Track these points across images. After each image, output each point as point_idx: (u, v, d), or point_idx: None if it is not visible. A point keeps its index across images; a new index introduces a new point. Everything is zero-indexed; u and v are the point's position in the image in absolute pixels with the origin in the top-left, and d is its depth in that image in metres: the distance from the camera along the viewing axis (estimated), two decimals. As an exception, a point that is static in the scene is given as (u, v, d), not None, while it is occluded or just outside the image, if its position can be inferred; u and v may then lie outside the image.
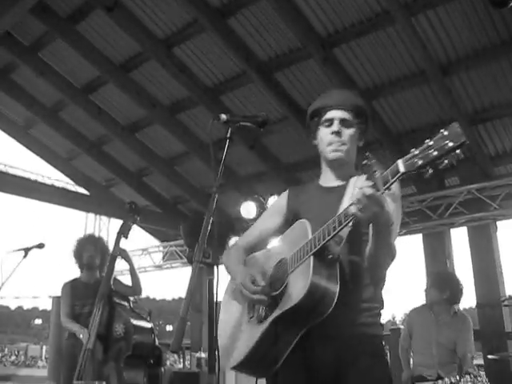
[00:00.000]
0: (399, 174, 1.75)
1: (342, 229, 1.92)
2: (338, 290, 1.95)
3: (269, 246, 2.40)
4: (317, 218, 2.13)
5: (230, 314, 2.34)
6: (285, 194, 2.47)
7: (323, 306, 1.93)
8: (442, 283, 5.20)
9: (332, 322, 1.93)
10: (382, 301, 2.21)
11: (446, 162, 1.72)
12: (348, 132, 2.25)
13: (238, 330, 2.20)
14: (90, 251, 5.23)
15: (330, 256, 1.99)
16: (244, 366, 2.14)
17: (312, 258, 1.96)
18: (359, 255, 2.10)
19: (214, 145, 6.79)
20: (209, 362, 1.73)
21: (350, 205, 1.86)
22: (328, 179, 2.36)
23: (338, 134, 2.23)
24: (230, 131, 2.09)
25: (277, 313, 2.01)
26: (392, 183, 1.77)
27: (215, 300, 1.80)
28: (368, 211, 1.81)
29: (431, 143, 1.72)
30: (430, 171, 1.74)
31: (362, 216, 1.83)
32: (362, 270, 2.13)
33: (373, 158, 1.81)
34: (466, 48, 6.04)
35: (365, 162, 1.82)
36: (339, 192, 2.24)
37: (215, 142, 7.05)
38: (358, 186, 1.86)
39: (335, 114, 2.27)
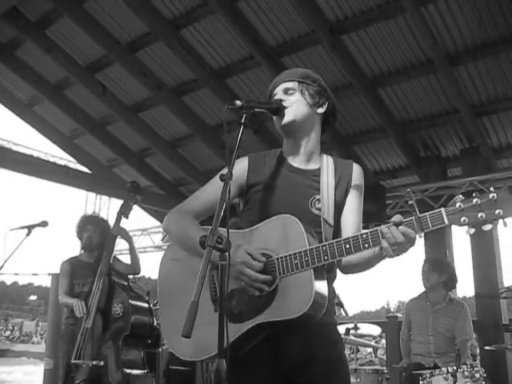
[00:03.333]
0: (443, 226, 1.78)
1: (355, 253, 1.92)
2: (328, 294, 1.99)
3: (246, 229, 2.19)
4: (286, 205, 2.15)
5: (180, 294, 2.14)
6: (244, 163, 2.31)
7: (317, 313, 1.95)
8: (441, 267, 5.38)
9: None
10: (335, 291, 2.29)
11: (490, 226, 1.74)
12: (291, 98, 2.23)
13: (202, 319, 1.78)
14: (89, 232, 5.25)
15: (326, 267, 2.01)
16: (213, 358, 1.96)
17: (312, 270, 1.94)
18: None
19: (218, 128, 6.75)
20: (218, 347, 1.73)
21: (375, 236, 1.87)
22: (291, 153, 2.30)
23: (281, 101, 2.22)
24: (244, 117, 2.03)
25: (266, 318, 1.96)
26: (431, 230, 1.80)
27: (226, 285, 1.78)
28: (400, 252, 1.87)
29: (479, 203, 1.73)
30: (472, 230, 1.76)
31: (392, 255, 1.88)
32: (329, 270, 2.18)
33: (412, 197, 1.84)
34: (475, 39, 6.02)
35: (410, 201, 1.86)
36: (312, 180, 2.24)
37: (220, 125, 6.99)
38: (393, 222, 1.85)
39: (278, 88, 2.29)
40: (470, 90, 6.63)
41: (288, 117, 2.21)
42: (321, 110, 2.28)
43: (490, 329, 6.89)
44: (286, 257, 1.98)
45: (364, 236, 1.89)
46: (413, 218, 1.81)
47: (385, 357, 9.16)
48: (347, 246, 1.90)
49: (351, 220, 2.21)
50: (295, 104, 2.22)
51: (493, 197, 1.71)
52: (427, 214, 1.80)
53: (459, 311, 5.15)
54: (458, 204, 1.76)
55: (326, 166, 2.27)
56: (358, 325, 5.25)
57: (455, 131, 7.33)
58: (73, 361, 4.27)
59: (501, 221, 1.71)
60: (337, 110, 2.37)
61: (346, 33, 6.28)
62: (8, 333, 39.15)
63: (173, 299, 2.22)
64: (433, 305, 5.25)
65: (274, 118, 2.25)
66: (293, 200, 2.19)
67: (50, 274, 7.76)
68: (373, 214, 6.47)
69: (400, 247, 1.83)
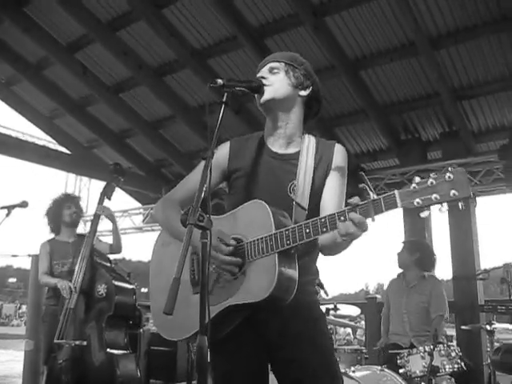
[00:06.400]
0: (396, 208, 1.75)
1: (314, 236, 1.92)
2: (297, 277, 1.99)
3: (225, 215, 2.23)
4: (265, 191, 2.17)
5: (166, 277, 2.11)
6: (225, 149, 2.32)
7: (286, 295, 1.97)
8: (413, 246, 5.48)
9: None
10: (318, 271, 2.32)
11: (445, 208, 1.67)
12: (274, 77, 2.23)
13: (183, 301, 1.91)
14: (72, 209, 5.22)
15: (293, 251, 2.01)
16: (193, 338, 2.06)
17: (277, 254, 1.95)
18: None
19: (200, 109, 6.71)
20: (200, 324, 1.74)
21: (333, 220, 1.86)
22: (272, 135, 2.29)
23: (263, 78, 2.22)
24: (225, 96, 2.02)
25: (235, 301, 2.00)
26: (384, 213, 1.77)
27: (208, 264, 1.78)
28: (355, 238, 1.85)
29: (434, 183, 1.67)
30: (427, 212, 1.72)
31: (347, 240, 1.88)
32: (311, 251, 2.20)
33: (365, 179, 1.80)
34: (457, 23, 6.04)
35: (361, 185, 1.81)
36: (291, 164, 2.24)
37: (201, 106, 6.94)
38: (351, 201, 1.83)
39: (263, 68, 2.28)
40: (451, 73, 6.66)
41: (267, 94, 2.19)
42: (303, 93, 2.26)
43: (467, 309, 7.01)
44: (254, 241, 2.01)
45: (322, 220, 1.89)
46: (368, 201, 1.79)
47: (363, 338, 9.29)
48: (307, 230, 1.90)
49: (331, 202, 2.19)
50: (276, 82, 2.21)
51: (449, 177, 1.64)
52: (381, 196, 1.77)
53: (432, 286, 5.21)
54: (412, 185, 1.70)
55: (307, 148, 2.26)
56: (338, 306, 5.30)
57: (436, 115, 7.39)
58: (55, 341, 4.26)
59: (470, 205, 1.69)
60: (321, 96, 2.35)
61: (328, 15, 6.27)
62: (-13, 315, 38.88)
63: (161, 282, 2.26)
64: (408, 284, 5.34)
65: (256, 96, 2.23)
66: (272, 186, 2.20)
67: (29, 256, 7.67)
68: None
69: (354, 234, 1.82)
